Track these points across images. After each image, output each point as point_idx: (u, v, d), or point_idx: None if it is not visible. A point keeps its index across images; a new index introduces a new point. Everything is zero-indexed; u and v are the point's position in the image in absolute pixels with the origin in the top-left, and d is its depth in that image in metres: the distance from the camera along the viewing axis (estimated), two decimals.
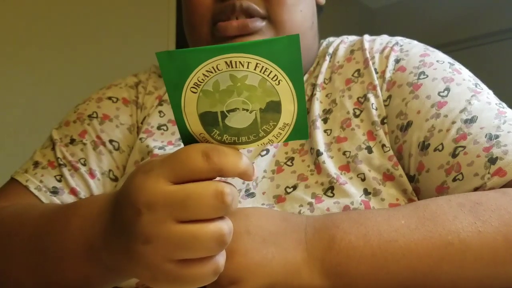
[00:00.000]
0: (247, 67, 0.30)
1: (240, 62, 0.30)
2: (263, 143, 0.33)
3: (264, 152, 0.58)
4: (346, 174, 0.53)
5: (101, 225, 0.38)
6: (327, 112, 0.59)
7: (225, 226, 0.32)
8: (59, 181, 0.60)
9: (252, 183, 0.55)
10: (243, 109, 0.31)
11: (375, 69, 0.59)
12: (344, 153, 0.55)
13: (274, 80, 0.30)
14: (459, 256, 0.38)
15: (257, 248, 0.39)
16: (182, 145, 0.61)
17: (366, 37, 0.65)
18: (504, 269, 0.39)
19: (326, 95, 0.61)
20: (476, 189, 0.47)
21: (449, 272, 0.39)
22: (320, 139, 0.56)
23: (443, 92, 0.54)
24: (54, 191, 0.59)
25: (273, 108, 0.31)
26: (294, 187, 0.53)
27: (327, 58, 0.65)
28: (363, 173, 0.53)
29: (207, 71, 0.30)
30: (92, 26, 1.75)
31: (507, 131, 0.48)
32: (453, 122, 0.51)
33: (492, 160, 0.47)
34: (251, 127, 0.32)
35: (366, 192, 0.52)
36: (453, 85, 0.54)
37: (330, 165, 0.54)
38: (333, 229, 0.40)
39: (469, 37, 2.76)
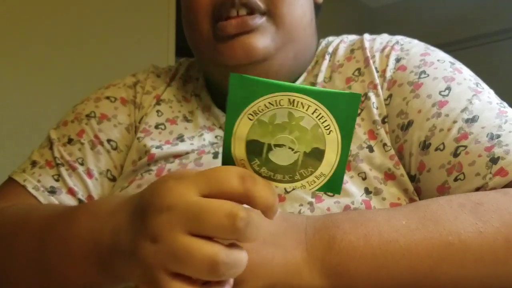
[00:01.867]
0: (306, 110, 0.31)
1: (301, 103, 0.31)
2: (296, 186, 0.34)
3: None
4: (347, 173, 0.53)
5: (111, 223, 0.37)
6: None
7: (223, 254, 0.30)
8: (57, 180, 0.60)
9: None
10: (289, 148, 0.32)
11: (376, 68, 0.59)
12: None
13: (326, 129, 0.32)
14: (459, 256, 0.38)
15: (257, 248, 0.38)
16: (178, 145, 0.61)
17: (366, 36, 0.65)
18: (504, 269, 0.39)
19: None
20: (477, 189, 0.47)
21: (449, 272, 0.38)
22: None
23: (444, 91, 0.54)
24: (52, 191, 0.59)
25: (316, 155, 0.33)
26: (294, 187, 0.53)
27: (327, 57, 0.65)
28: (364, 172, 0.53)
29: (269, 103, 0.31)
30: (92, 26, 1.75)
31: (508, 130, 0.48)
32: (454, 122, 0.51)
33: (494, 160, 0.46)
34: (290, 167, 0.33)
35: (367, 191, 0.52)
36: (454, 85, 0.54)
37: None
38: (333, 229, 0.40)
39: (469, 37, 2.76)
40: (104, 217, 0.39)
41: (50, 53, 1.64)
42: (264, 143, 0.33)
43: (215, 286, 0.33)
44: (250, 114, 0.32)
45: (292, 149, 0.32)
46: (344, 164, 0.33)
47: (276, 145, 0.32)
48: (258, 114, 0.32)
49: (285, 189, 0.53)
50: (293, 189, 0.53)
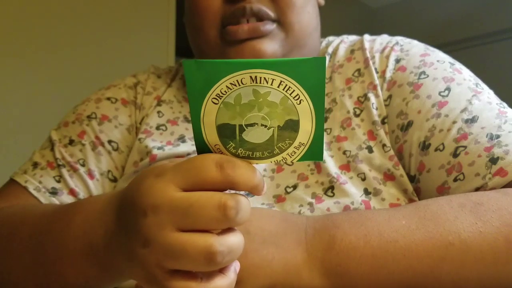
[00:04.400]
0: (271, 84, 0.30)
1: (264, 78, 0.30)
2: (277, 160, 0.34)
3: None
4: (347, 173, 0.53)
5: (102, 224, 0.37)
6: (327, 111, 0.59)
7: (217, 243, 0.30)
8: (58, 181, 0.60)
9: None
10: (262, 125, 0.32)
11: (375, 69, 0.59)
12: (344, 153, 0.55)
13: (296, 99, 0.31)
14: (459, 256, 0.38)
15: (256, 249, 0.38)
16: (180, 146, 0.61)
17: (366, 36, 0.65)
18: (505, 269, 0.39)
19: (326, 94, 0.61)
20: (477, 189, 0.47)
21: (449, 272, 0.39)
22: None
23: (444, 92, 0.54)
24: (53, 192, 0.59)
25: (291, 126, 0.32)
26: (294, 187, 0.53)
27: (327, 57, 0.65)
28: (364, 173, 0.53)
29: (231, 83, 0.30)
30: (92, 26, 1.75)
31: (508, 131, 0.48)
32: (454, 122, 0.51)
33: (493, 160, 0.47)
34: (267, 143, 0.32)
35: (366, 192, 0.52)
36: (453, 85, 0.54)
37: (331, 164, 0.54)
38: (333, 229, 0.40)
39: (469, 37, 2.76)
40: (95, 218, 0.39)
41: (50, 53, 1.64)
42: (235, 125, 0.32)
43: (219, 274, 0.33)
44: (214, 98, 0.31)
45: (265, 126, 0.32)
46: (321, 130, 0.32)
47: (247, 125, 0.32)
48: (222, 96, 0.31)
49: (285, 190, 0.53)
50: (293, 190, 0.53)
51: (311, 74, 0.30)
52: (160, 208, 0.31)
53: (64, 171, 0.60)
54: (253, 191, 0.32)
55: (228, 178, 0.31)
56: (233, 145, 0.33)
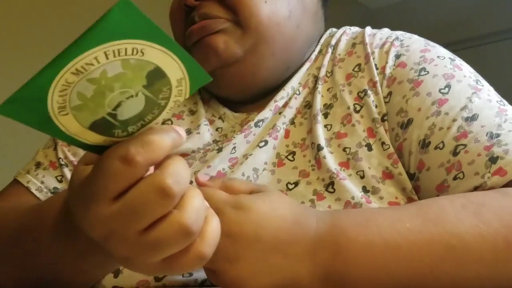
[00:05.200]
0: (98, 62, 0.26)
1: (86, 64, 0.25)
2: (171, 107, 0.31)
3: (263, 144, 0.58)
4: (346, 170, 0.53)
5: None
6: (328, 107, 0.59)
7: (183, 216, 0.29)
8: (60, 181, 0.60)
9: (253, 175, 0.55)
10: (127, 98, 0.28)
11: (375, 65, 0.59)
12: (344, 150, 0.55)
13: (136, 54, 0.27)
14: (460, 258, 0.39)
15: (265, 258, 0.38)
16: (185, 140, 0.61)
17: (368, 30, 0.64)
18: (504, 269, 0.39)
19: (328, 89, 0.61)
20: (476, 188, 0.47)
21: (449, 273, 0.39)
22: (321, 133, 0.56)
23: (444, 89, 0.53)
24: (55, 192, 0.59)
25: (156, 76, 0.28)
26: (296, 184, 0.53)
27: (330, 50, 0.65)
28: (363, 171, 0.53)
29: (60, 90, 0.26)
30: None
31: (508, 130, 0.48)
32: (454, 120, 0.51)
33: (493, 159, 0.47)
34: (148, 105, 0.29)
35: (364, 190, 0.52)
36: (454, 82, 0.54)
37: (331, 161, 0.54)
38: (339, 236, 0.40)
39: (469, 37, 2.76)
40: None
41: (50, 52, 1.63)
42: (103, 116, 0.28)
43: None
44: (60, 111, 0.27)
45: (131, 96, 0.28)
46: (185, 55, 0.28)
47: (115, 108, 0.28)
48: (65, 105, 0.27)
49: (287, 186, 0.53)
50: (295, 186, 0.53)
51: (126, 21, 0.25)
52: (110, 231, 0.30)
53: (66, 171, 0.61)
54: (175, 148, 0.30)
55: (139, 164, 0.28)
56: (119, 130, 0.29)
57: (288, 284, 0.39)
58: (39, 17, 1.63)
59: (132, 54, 0.26)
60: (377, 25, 0.69)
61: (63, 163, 0.61)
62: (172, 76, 0.29)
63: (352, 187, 0.51)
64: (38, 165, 0.62)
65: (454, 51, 0.61)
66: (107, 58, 0.26)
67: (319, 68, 0.63)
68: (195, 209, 0.30)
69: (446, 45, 0.62)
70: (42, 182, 0.60)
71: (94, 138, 0.29)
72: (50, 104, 0.26)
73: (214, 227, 0.32)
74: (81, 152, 0.62)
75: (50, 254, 0.42)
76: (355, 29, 0.68)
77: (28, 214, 0.47)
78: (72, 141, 0.29)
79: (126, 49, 0.26)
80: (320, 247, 0.40)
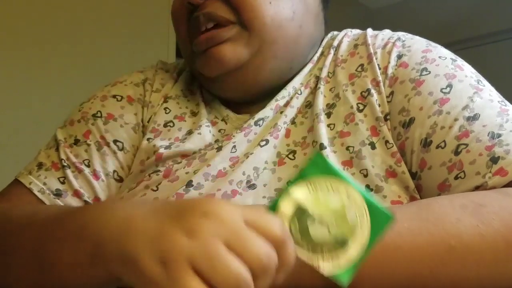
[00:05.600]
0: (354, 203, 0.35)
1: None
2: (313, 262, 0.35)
3: (264, 143, 0.58)
4: (349, 169, 0.53)
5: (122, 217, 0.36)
6: (330, 106, 0.59)
7: (246, 276, 0.30)
8: (63, 183, 0.60)
9: (253, 174, 0.55)
10: (327, 228, 0.34)
11: (378, 65, 0.59)
12: (347, 148, 0.55)
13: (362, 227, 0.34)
14: (460, 259, 0.39)
15: None
16: (186, 142, 0.60)
17: (369, 31, 0.65)
18: (504, 269, 0.39)
19: (330, 89, 0.61)
20: (477, 188, 0.47)
21: (449, 273, 0.39)
22: (324, 132, 0.56)
23: (446, 88, 0.54)
24: (58, 194, 0.59)
25: (341, 242, 0.34)
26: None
27: (332, 51, 0.65)
28: (366, 169, 0.53)
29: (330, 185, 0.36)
30: (93, 27, 1.75)
31: (509, 130, 0.49)
32: (456, 119, 0.51)
33: (494, 159, 0.47)
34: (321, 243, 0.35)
35: (368, 188, 0.52)
36: (455, 82, 0.54)
37: (333, 160, 0.54)
38: None
39: (469, 37, 2.76)
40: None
41: (50, 53, 1.64)
42: (310, 215, 0.34)
43: None
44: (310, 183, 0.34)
45: (329, 231, 0.34)
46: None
47: (318, 222, 0.34)
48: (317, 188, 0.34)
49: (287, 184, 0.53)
50: None
51: (381, 226, 0.33)
52: (221, 219, 0.31)
53: (69, 172, 0.60)
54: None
55: (282, 244, 0.32)
56: (297, 226, 0.34)
57: (288, 278, 0.39)
58: (39, 17, 1.63)
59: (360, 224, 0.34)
60: (377, 25, 0.69)
61: (65, 164, 0.61)
62: (348, 253, 0.34)
63: None
64: (40, 165, 0.62)
65: (454, 51, 0.61)
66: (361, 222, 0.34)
67: (321, 69, 0.63)
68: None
69: (446, 45, 0.62)
70: (44, 184, 0.59)
71: (287, 206, 0.35)
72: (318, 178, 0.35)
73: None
74: (83, 154, 0.62)
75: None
76: (356, 31, 0.68)
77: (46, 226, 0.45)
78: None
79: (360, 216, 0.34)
80: None
